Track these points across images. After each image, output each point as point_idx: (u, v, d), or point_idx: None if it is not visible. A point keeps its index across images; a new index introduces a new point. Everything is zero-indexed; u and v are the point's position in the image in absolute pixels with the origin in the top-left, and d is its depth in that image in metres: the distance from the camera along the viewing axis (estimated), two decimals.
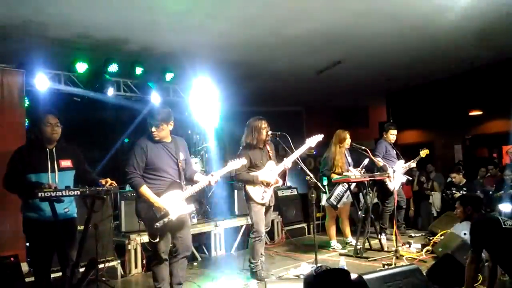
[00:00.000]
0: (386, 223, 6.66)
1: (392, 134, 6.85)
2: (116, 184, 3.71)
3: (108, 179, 3.71)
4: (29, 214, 3.70)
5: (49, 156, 3.75)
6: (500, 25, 6.57)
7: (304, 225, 8.07)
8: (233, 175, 4.85)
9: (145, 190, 3.88)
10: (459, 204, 4.06)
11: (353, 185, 6.09)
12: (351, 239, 6.39)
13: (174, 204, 3.94)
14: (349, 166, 6.23)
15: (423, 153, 6.93)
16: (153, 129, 4.00)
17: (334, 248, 6.27)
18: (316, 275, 2.77)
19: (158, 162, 3.98)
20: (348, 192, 6.03)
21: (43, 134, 3.76)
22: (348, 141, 6.23)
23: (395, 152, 6.84)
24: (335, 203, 5.99)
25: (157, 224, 3.86)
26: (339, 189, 5.98)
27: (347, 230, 6.51)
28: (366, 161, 6.10)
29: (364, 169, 6.02)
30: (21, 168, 3.64)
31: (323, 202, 6.31)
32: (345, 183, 5.91)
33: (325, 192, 6.00)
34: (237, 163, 4.39)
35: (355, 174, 5.83)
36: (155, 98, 7.49)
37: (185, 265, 4.25)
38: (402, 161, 6.77)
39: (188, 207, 4.08)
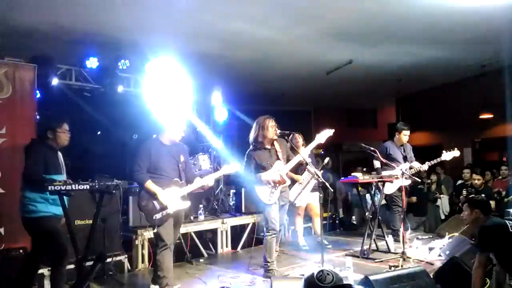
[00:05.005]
0: (396, 225, 6.50)
1: (405, 135, 6.56)
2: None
3: None
4: (32, 212, 3.77)
5: (59, 159, 3.99)
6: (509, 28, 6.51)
7: (310, 224, 8.05)
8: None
9: (149, 184, 4.21)
10: (467, 206, 4.04)
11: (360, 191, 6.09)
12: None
13: (172, 199, 4.27)
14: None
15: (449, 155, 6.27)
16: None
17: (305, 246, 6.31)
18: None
19: (160, 162, 4.33)
20: (308, 190, 6.05)
21: (57, 140, 3.95)
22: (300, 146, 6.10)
23: (401, 156, 6.50)
24: (292, 200, 5.94)
25: (156, 215, 4.18)
26: (295, 187, 6.02)
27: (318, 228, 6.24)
28: (326, 159, 6.45)
29: (322, 170, 6.08)
30: (41, 165, 3.76)
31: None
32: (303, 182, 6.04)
33: None
34: (231, 168, 4.68)
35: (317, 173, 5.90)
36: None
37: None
38: (405, 164, 6.38)
39: (184, 203, 4.39)
